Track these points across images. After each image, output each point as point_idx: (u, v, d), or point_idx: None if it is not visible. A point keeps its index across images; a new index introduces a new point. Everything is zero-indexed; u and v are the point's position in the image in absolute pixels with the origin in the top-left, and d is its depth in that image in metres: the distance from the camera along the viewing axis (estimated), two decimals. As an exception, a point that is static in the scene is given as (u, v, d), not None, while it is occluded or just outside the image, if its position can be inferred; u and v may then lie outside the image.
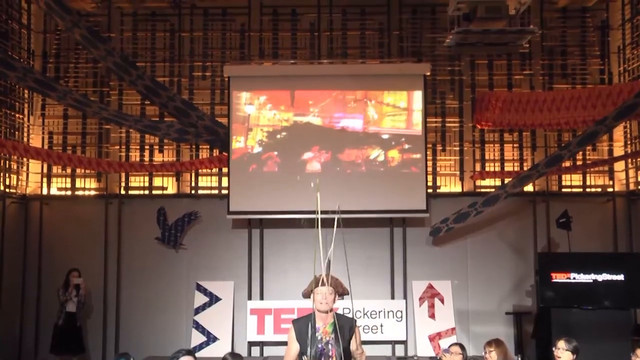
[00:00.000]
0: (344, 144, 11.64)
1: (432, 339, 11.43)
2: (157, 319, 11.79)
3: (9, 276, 11.24)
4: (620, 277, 9.86)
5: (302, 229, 11.33)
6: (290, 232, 11.74)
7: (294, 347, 5.51)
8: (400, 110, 11.63)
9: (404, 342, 11.61)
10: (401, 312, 11.54)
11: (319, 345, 5.42)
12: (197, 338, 11.41)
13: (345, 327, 5.52)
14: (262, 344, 11.60)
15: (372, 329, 11.40)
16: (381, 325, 11.49)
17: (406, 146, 11.60)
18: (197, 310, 11.65)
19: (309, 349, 5.37)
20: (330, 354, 5.42)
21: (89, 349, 11.55)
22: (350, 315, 5.95)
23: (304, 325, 5.51)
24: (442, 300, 11.69)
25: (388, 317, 11.55)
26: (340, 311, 6.74)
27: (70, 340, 10.76)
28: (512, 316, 11.66)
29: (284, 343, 10.55)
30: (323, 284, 5.42)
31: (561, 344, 6.73)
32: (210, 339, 11.49)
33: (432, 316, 11.62)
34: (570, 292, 9.94)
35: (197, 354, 6.80)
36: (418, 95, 11.55)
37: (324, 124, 11.65)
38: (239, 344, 11.57)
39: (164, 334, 11.58)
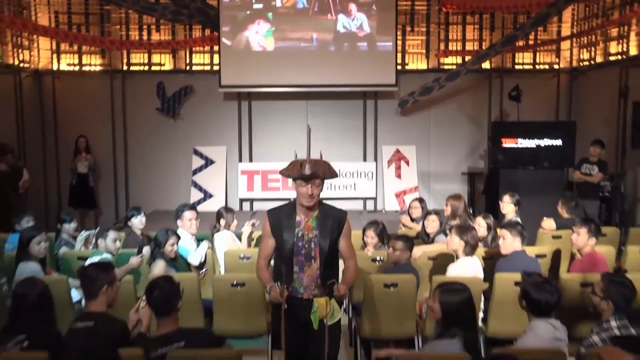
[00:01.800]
0: (324, 27, 12.01)
1: (398, 195, 12.40)
2: (160, 179, 12.60)
3: (30, 143, 11.82)
4: (558, 142, 10.34)
5: (286, 100, 12.46)
6: (275, 103, 12.49)
7: (269, 243, 4.41)
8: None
9: (374, 199, 12.49)
10: (372, 172, 12.36)
11: (300, 244, 4.30)
12: (195, 195, 12.30)
13: (332, 221, 4.36)
14: (251, 200, 12.50)
15: (346, 187, 12.18)
16: (354, 184, 12.29)
17: (378, 28, 11.99)
18: (195, 172, 12.47)
19: (285, 245, 4.31)
20: (312, 254, 4.31)
21: (103, 204, 12.45)
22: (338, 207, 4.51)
23: (282, 217, 4.38)
24: (407, 163, 12.55)
25: (360, 177, 12.33)
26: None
27: (84, 197, 11.67)
28: (467, 176, 12.60)
29: (271, 199, 11.90)
30: (308, 175, 4.14)
31: (506, 198, 7.50)
32: (207, 195, 12.37)
33: (399, 176, 12.52)
34: (517, 155, 10.37)
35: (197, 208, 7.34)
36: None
37: (307, 6, 11.96)
38: (232, 200, 12.29)
39: (167, 192, 12.41)
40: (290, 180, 4.29)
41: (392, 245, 5.88)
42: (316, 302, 4.14)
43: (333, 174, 4.26)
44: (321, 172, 4.18)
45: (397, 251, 5.81)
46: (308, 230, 4.34)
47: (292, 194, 4.48)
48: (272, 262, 4.60)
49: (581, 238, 6.03)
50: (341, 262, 4.62)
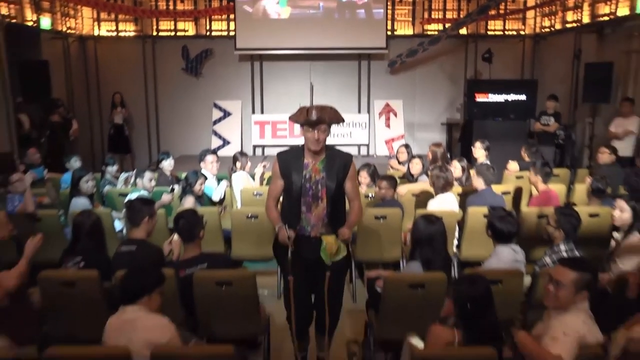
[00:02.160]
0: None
1: (387, 142, 12.40)
2: (186, 128, 12.63)
3: (77, 98, 11.72)
4: (523, 97, 10.37)
5: (292, 61, 12.40)
6: (283, 64, 12.40)
7: (278, 184, 3.98)
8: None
9: (367, 145, 12.51)
10: (365, 122, 12.35)
11: (307, 185, 3.86)
12: (215, 142, 12.34)
13: (338, 164, 3.92)
14: (263, 146, 12.54)
15: (343, 135, 12.19)
16: (350, 133, 12.31)
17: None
18: (215, 122, 12.49)
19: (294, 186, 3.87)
20: (319, 195, 3.87)
21: (137, 150, 12.53)
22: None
23: (290, 159, 3.93)
24: (395, 114, 12.53)
25: (355, 126, 12.35)
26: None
27: (121, 144, 11.73)
28: (446, 126, 12.61)
29: (280, 145, 11.98)
30: (314, 121, 3.71)
31: (478, 144, 7.54)
32: (225, 142, 12.40)
33: (388, 126, 12.51)
34: (488, 108, 10.37)
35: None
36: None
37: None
38: (246, 146, 12.29)
39: (192, 139, 12.42)
40: (298, 126, 3.88)
41: (378, 185, 5.95)
42: (324, 239, 3.80)
43: (339, 119, 3.82)
44: (327, 117, 3.75)
45: (382, 189, 5.89)
46: (315, 173, 3.88)
47: (299, 141, 3.96)
48: (281, 203, 4.11)
49: (532, 177, 6.27)
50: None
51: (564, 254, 4.24)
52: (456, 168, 6.84)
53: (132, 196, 5.84)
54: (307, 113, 3.72)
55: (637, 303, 3.35)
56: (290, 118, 3.84)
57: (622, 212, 4.66)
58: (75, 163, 7.74)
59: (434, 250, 4.03)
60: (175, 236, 4.42)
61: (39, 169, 7.31)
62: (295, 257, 3.76)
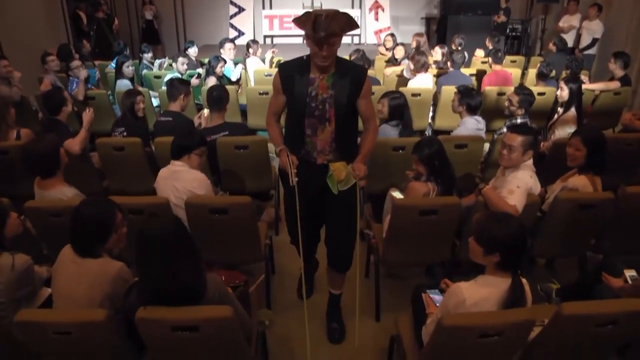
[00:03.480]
0: None
1: (375, 33, 11.87)
2: (207, 21, 12.04)
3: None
4: None
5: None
6: None
7: (279, 99, 2.76)
8: None
9: (359, 35, 12.00)
10: (357, 16, 11.65)
11: (313, 104, 2.63)
12: (232, 33, 11.79)
13: (350, 79, 2.62)
14: (272, 37, 11.98)
15: None
16: None
17: None
18: (231, 17, 11.93)
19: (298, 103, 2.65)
20: (327, 116, 2.65)
21: (166, 41, 11.98)
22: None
23: (294, 72, 2.66)
24: (382, 9, 11.92)
25: None
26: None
27: (152, 36, 11.17)
28: (425, 20, 12.07)
29: (287, 36, 11.70)
30: (322, 38, 2.41)
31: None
32: (240, 33, 11.87)
33: (377, 19, 11.94)
34: (460, 3, 9.76)
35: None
36: None
37: None
38: (258, 36, 11.71)
39: (212, 31, 11.84)
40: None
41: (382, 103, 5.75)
42: (331, 166, 2.67)
43: (353, 26, 2.47)
44: (338, 27, 2.41)
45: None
46: (322, 90, 2.62)
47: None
48: (285, 122, 2.87)
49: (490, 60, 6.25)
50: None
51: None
52: (437, 53, 6.80)
53: (167, 78, 5.82)
54: (314, 25, 2.39)
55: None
56: (295, 22, 2.51)
57: (562, 91, 4.62)
58: (118, 47, 7.55)
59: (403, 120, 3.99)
60: (205, 111, 4.41)
61: (92, 70, 7.09)
62: (299, 187, 2.60)
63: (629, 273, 2.59)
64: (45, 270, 2.62)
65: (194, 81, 5.99)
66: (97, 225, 2.22)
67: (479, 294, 2.03)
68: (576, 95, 4.57)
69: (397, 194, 3.33)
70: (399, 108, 4.00)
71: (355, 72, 2.66)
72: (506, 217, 2.11)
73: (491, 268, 2.08)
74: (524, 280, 2.10)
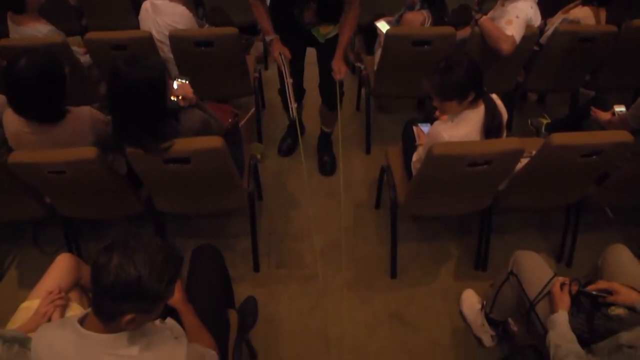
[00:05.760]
0: None
1: None
2: None
3: None
4: None
5: None
6: None
7: None
8: None
9: None
10: None
11: None
12: None
13: None
14: None
15: None
16: None
17: None
18: None
19: None
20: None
21: None
22: None
23: None
24: None
25: None
26: None
27: None
28: None
29: None
30: None
31: None
32: None
33: None
34: None
35: None
36: None
37: None
38: None
39: None
40: None
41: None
42: (318, 27, 2.62)
43: None
44: None
45: None
46: None
47: None
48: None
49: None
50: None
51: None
52: None
53: None
54: None
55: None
56: None
57: None
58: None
59: None
60: None
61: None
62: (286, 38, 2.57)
63: (619, 108, 2.57)
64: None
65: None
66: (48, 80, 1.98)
67: (460, 133, 2.02)
68: None
69: (383, 25, 3.14)
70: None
71: None
72: (448, 59, 1.97)
73: (465, 105, 2.03)
74: (493, 96, 2.10)
